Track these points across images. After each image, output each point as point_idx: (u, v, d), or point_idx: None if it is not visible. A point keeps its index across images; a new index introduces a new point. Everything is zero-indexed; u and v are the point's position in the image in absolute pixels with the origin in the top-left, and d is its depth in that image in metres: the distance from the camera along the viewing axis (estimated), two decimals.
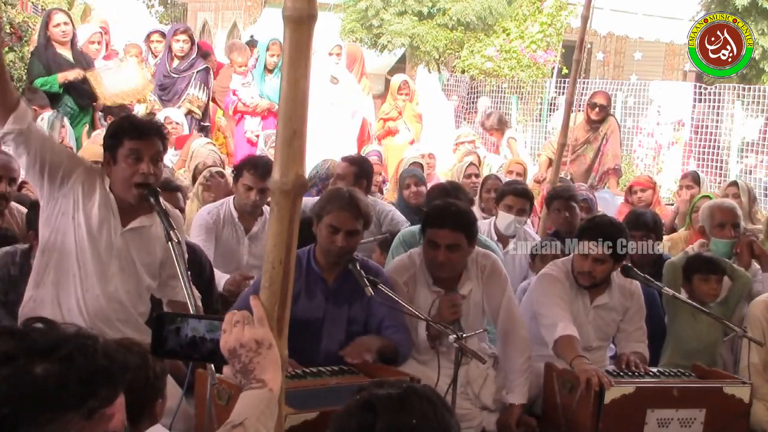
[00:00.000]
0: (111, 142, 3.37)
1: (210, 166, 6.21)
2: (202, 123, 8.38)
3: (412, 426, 1.69)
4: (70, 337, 1.45)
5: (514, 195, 5.23)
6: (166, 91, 8.36)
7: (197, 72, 8.29)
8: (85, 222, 3.35)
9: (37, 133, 3.26)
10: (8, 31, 7.88)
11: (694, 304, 4.33)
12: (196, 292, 3.82)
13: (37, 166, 3.27)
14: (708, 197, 5.92)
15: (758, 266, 4.93)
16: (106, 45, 8.66)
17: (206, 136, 8.17)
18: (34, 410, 1.36)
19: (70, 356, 1.41)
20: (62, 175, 3.31)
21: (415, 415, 1.70)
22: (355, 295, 3.86)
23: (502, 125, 9.56)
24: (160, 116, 7.83)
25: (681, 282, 4.56)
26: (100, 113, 7.71)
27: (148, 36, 8.98)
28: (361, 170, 5.58)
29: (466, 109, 13.17)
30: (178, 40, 8.34)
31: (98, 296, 3.38)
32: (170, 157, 7.37)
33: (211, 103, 8.65)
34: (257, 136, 8.54)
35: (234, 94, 8.58)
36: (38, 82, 7.41)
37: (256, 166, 4.87)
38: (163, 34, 8.93)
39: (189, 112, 8.24)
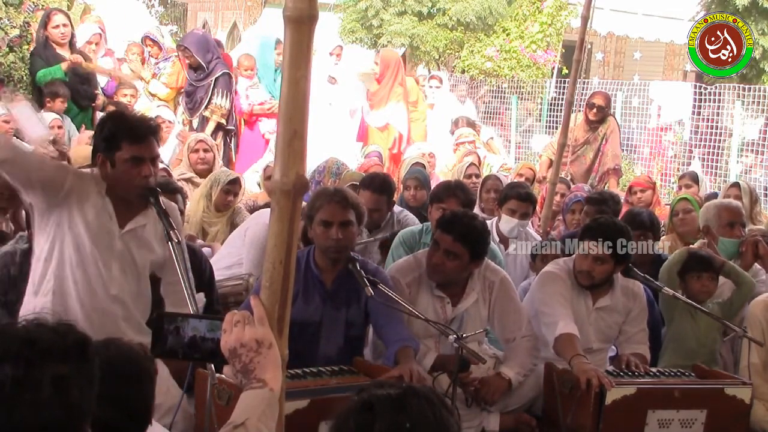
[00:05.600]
0: (107, 146, 3.31)
1: (200, 141, 6.61)
2: (227, 127, 8.37)
3: (411, 426, 1.69)
4: None
5: (517, 199, 5.22)
6: (190, 99, 8.36)
7: (216, 79, 8.25)
8: (83, 229, 3.33)
9: (21, 156, 3.26)
10: (18, 33, 7.89)
11: (694, 304, 4.33)
12: (202, 296, 3.83)
13: (30, 186, 3.29)
14: (686, 199, 5.91)
15: (759, 267, 4.94)
16: (99, 43, 8.66)
17: (230, 139, 8.27)
18: None
19: None
20: (56, 187, 3.29)
21: (413, 416, 1.70)
22: (353, 298, 3.87)
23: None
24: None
25: (677, 282, 4.56)
26: (99, 113, 7.70)
27: (143, 40, 9.01)
28: (389, 198, 5.44)
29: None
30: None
31: (101, 300, 3.37)
32: (168, 155, 7.41)
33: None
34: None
35: (246, 97, 8.60)
36: (40, 73, 7.39)
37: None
38: (153, 40, 8.96)
39: (218, 126, 8.20)
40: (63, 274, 3.34)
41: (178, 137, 7.79)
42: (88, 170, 3.46)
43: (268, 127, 8.62)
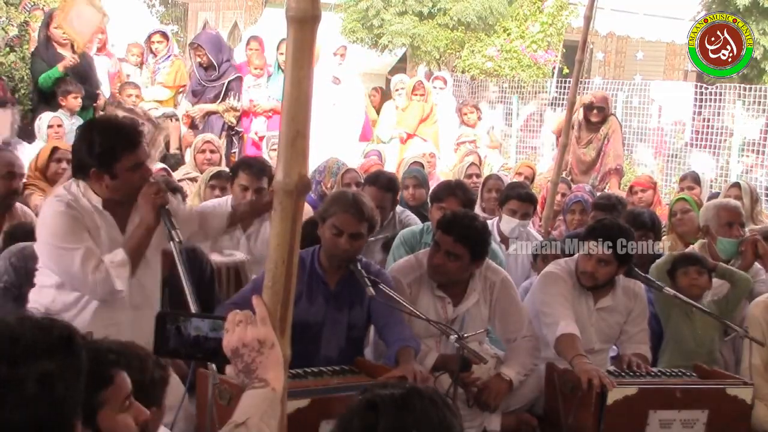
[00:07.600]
0: (104, 160, 3.29)
1: (207, 141, 6.56)
2: (234, 128, 8.35)
3: (415, 426, 1.69)
4: None
5: (517, 200, 5.22)
6: (198, 100, 8.36)
7: (229, 82, 8.23)
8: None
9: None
10: (16, 32, 7.88)
11: (691, 302, 4.32)
12: None
13: None
14: (684, 199, 5.91)
15: (760, 266, 4.93)
16: (104, 44, 8.63)
17: (236, 141, 8.30)
18: None
19: None
20: None
21: (417, 416, 1.71)
22: (356, 300, 3.86)
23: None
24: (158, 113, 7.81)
25: (668, 283, 4.53)
26: (101, 113, 7.69)
27: (149, 36, 8.96)
28: (394, 196, 5.44)
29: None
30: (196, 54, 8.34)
31: (111, 317, 3.39)
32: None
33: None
34: (260, 138, 8.55)
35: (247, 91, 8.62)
36: (41, 80, 7.40)
37: (250, 166, 4.88)
38: (164, 35, 8.91)
39: (224, 125, 8.20)
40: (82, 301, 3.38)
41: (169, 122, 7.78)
42: (64, 192, 3.36)
43: (255, 127, 8.63)
